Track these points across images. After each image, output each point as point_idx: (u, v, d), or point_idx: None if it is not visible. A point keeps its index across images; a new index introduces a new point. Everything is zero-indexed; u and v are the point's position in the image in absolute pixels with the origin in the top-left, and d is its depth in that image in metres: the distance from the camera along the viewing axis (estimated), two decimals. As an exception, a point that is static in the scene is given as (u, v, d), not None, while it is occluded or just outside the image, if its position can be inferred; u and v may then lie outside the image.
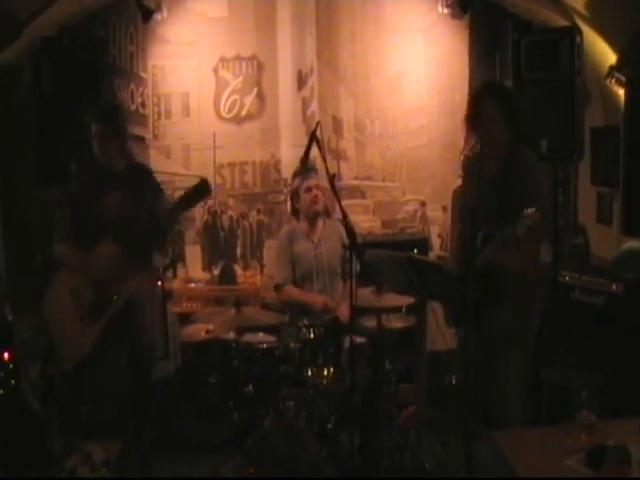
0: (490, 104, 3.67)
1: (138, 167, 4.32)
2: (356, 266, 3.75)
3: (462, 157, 4.46)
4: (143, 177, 4.22)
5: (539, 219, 3.17)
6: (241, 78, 5.99)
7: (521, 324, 3.75)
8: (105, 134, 4.07)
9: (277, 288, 4.84)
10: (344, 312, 4.38)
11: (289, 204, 5.04)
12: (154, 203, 4.13)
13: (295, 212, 4.91)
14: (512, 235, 3.20)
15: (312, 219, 4.83)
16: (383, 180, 6.14)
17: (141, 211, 4.05)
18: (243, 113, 6.01)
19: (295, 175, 4.88)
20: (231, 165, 6.06)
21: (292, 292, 4.78)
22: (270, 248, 5.94)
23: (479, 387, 3.80)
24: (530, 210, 3.14)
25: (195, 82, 6.00)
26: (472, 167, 3.80)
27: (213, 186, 5.90)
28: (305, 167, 4.55)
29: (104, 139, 4.06)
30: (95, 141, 4.08)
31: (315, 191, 4.73)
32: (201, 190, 3.96)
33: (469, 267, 3.41)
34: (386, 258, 3.77)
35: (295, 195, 4.83)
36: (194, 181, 3.94)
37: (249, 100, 6.02)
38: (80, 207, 4.09)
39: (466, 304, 3.29)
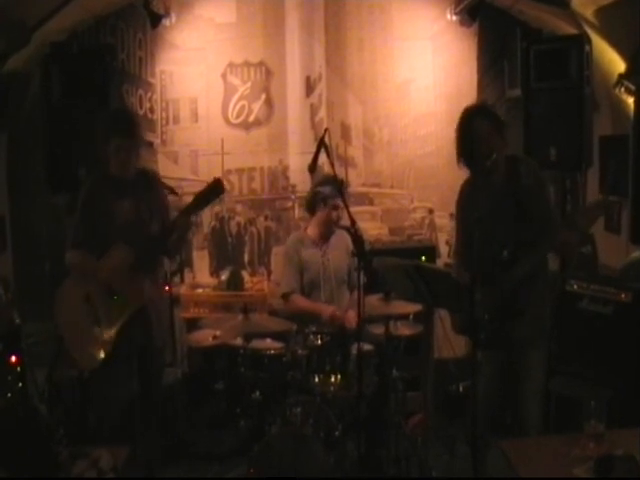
0: (480, 120, 3.66)
1: (147, 173, 4.24)
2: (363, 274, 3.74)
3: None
4: (152, 183, 4.17)
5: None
6: (249, 84, 6.01)
7: (540, 325, 3.75)
8: (128, 150, 3.94)
9: (284, 297, 4.78)
10: (351, 319, 4.38)
11: (306, 202, 4.89)
12: (164, 209, 4.10)
13: (311, 211, 4.82)
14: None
15: (324, 230, 4.79)
16: (391, 187, 6.15)
17: (152, 217, 4.01)
18: (251, 119, 6.03)
19: (325, 183, 4.67)
20: (239, 171, 6.07)
21: (300, 302, 4.73)
22: (278, 254, 5.94)
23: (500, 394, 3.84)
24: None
25: (203, 88, 6.02)
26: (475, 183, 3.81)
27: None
28: (334, 180, 4.42)
29: (126, 154, 3.94)
30: (115, 155, 3.93)
31: (339, 212, 4.63)
32: (215, 189, 3.85)
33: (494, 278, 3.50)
34: (394, 266, 3.76)
35: (321, 200, 4.70)
36: (203, 185, 3.90)
37: (257, 106, 6.03)
38: (92, 215, 4.01)
39: (473, 313, 3.28)
